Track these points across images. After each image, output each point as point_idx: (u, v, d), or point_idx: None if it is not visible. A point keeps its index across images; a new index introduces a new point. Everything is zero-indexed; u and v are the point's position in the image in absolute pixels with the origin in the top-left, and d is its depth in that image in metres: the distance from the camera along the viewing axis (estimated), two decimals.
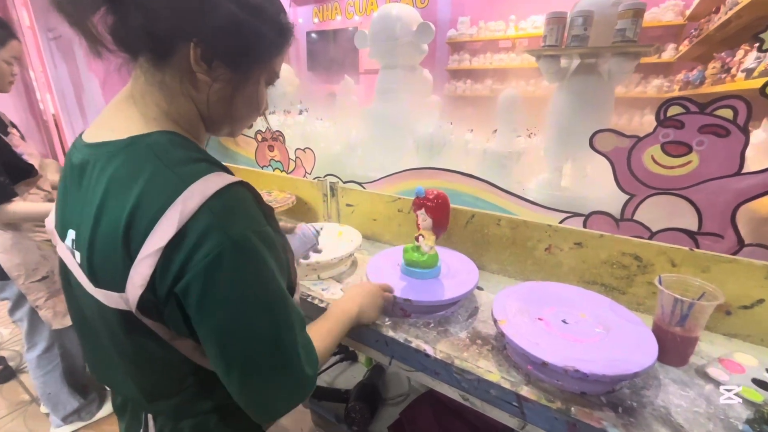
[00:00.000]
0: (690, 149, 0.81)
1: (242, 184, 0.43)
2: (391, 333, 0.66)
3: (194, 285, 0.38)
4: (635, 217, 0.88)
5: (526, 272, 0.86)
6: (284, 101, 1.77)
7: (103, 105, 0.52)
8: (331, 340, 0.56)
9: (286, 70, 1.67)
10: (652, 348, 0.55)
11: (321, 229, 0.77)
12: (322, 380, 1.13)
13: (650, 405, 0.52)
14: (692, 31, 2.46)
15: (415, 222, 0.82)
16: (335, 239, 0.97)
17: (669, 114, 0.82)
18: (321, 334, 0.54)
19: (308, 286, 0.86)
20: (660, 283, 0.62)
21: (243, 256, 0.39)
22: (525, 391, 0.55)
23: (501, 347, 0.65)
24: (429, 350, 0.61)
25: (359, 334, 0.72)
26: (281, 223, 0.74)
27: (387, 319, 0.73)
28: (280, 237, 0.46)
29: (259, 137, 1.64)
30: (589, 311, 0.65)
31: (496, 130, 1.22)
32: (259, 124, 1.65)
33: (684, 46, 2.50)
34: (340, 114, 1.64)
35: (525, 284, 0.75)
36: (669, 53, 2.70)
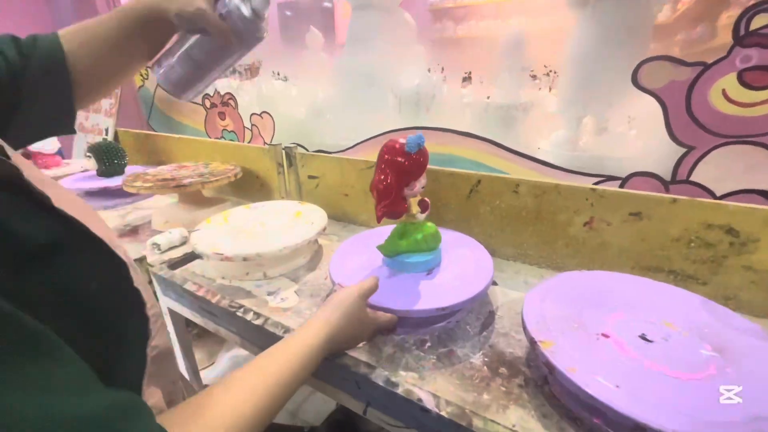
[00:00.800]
0: None
1: None
2: (363, 367, 0.40)
3: None
4: (693, 178, 0.65)
5: (555, 258, 0.62)
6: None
7: None
8: (256, 411, 0.29)
9: None
10: None
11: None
12: (282, 414, 0.88)
13: None
14: None
15: (395, 203, 0.55)
16: (291, 221, 0.71)
17: (753, 27, 0.57)
18: (224, 404, 0.29)
19: (248, 289, 0.60)
20: None
21: None
22: None
23: (540, 379, 0.41)
24: (426, 399, 0.36)
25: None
26: None
27: None
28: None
29: (208, 103, 1.35)
30: (678, 317, 0.41)
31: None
32: (208, 88, 1.35)
33: None
34: (304, 70, 1.35)
35: (563, 277, 0.50)
36: None
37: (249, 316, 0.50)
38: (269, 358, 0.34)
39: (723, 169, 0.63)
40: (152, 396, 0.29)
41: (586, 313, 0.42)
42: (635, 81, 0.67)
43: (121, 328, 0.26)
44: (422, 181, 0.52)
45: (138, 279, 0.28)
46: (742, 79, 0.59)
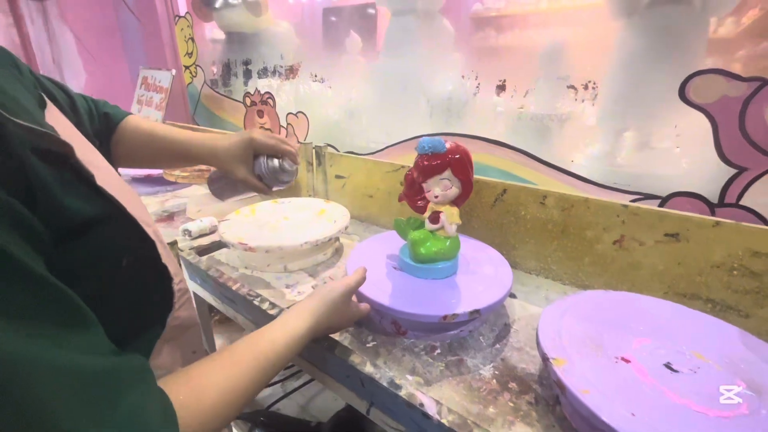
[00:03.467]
0: None
1: None
2: (369, 367, 0.40)
3: None
4: (743, 202, 0.60)
5: (580, 275, 0.59)
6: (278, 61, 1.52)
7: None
8: (242, 382, 0.31)
9: (284, 27, 1.42)
10: None
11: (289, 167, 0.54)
12: (290, 405, 0.89)
13: None
14: None
15: (416, 197, 0.55)
16: (314, 218, 0.72)
17: None
18: (216, 373, 0.30)
19: (268, 281, 0.62)
20: None
21: None
22: None
23: (551, 399, 0.39)
24: (428, 405, 0.35)
25: (321, 361, 0.47)
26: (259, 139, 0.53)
27: (369, 338, 0.48)
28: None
29: (248, 101, 1.41)
30: (710, 349, 0.38)
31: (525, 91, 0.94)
32: (249, 85, 1.41)
33: None
34: (342, 74, 1.39)
35: (587, 294, 0.48)
36: None
37: (265, 306, 0.52)
38: (260, 337, 0.36)
39: None
40: (169, 356, 0.32)
41: (607, 334, 0.40)
42: (683, 95, 0.63)
43: (146, 297, 0.30)
44: (441, 191, 0.52)
45: (166, 256, 0.31)
46: None
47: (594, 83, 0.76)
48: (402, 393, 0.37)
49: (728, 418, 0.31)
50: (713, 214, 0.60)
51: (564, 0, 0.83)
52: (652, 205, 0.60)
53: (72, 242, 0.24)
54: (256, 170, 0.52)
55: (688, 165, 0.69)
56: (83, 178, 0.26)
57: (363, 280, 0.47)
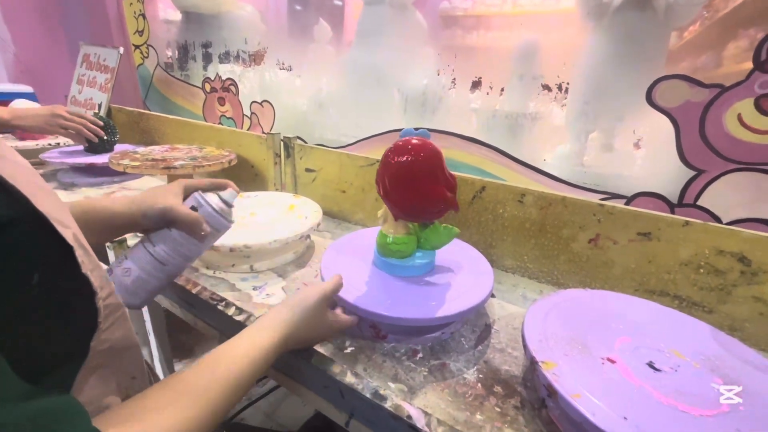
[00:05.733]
0: None
1: None
2: (350, 377, 0.37)
3: None
4: (700, 202, 0.63)
5: (556, 273, 0.60)
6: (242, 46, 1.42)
7: None
8: (201, 414, 0.26)
9: (249, 11, 1.33)
10: None
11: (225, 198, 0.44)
12: (255, 414, 0.83)
13: None
14: None
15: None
16: (284, 214, 0.67)
17: None
18: (167, 408, 0.25)
19: (233, 282, 0.56)
20: None
21: None
22: None
23: (537, 402, 0.38)
24: (416, 417, 0.33)
25: (295, 371, 0.43)
26: (191, 181, 0.44)
27: (347, 343, 0.45)
28: None
29: (208, 87, 1.31)
30: (687, 347, 0.39)
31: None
32: (209, 70, 1.31)
33: None
34: (311, 62, 1.32)
35: (566, 294, 0.48)
36: None
37: (231, 311, 0.47)
38: (220, 356, 0.31)
39: (732, 196, 0.62)
40: (98, 387, 0.26)
41: (590, 334, 0.40)
42: (650, 99, 0.65)
43: (64, 318, 0.23)
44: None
45: (89, 264, 0.24)
46: (759, 105, 0.57)
47: (567, 84, 0.77)
48: (387, 405, 0.34)
49: (711, 416, 0.31)
50: (673, 213, 0.63)
51: (530, 4, 0.83)
52: (619, 205, 0.61)
53: None
54: (188, 204, 0.42)
55: (652, 166, 0.72)
56: None
57: (340, 286, 0.43)
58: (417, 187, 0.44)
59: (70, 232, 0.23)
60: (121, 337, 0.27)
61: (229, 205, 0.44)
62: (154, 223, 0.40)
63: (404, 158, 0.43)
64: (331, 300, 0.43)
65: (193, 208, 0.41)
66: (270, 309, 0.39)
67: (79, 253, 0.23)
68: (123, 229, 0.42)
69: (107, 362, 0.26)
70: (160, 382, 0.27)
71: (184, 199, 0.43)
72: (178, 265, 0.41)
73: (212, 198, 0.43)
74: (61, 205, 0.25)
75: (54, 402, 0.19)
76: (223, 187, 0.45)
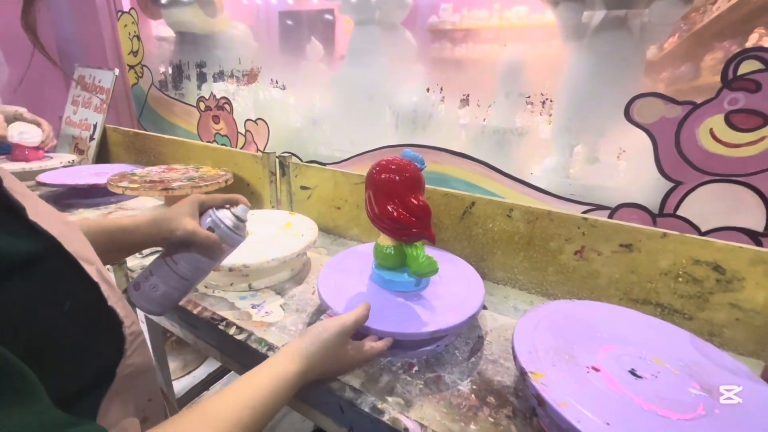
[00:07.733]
0: (766, 121, 0.59)
1: None
2: (349, 391, 0.39)
3: None
4: (679, 212, 0.66)
5: (545, 284, 0.62)
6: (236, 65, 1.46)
7: None
8: None
9: (242, 30, 1.36)
10: None
11: (240, 213, 0.46)
12: None
13: None
14: None
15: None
16: (281, 232, 0.69)
17: (741, 72, 0.60)
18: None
19: (232, 301, 0.58)
20: None
21: None
22: None
23: (528, 411, 0.40)
24: (413, 429, 0.35)
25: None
26: (204, 197, 0.45)
27: None
28: None
29: (202, 105, 1.33)
30: (666, 353, 0.41)
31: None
32: (203, 89, 1.34)
33: None
34: (304, 81, 1.36)
35: (553, 306, 0.50)
36: None
37: (231, 331, 0.48)
38: (243, 387, 0.32)
39: (709, 206, 0.65)
40: (120, 412, 0.27)
41: (577, 344, 0.42)
42: (628, 115, 0.69)
43: (93, 347, 0.25)
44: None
45: (114, 297, 0.26)
46: (729, 121, 0.61)
47: (550, 100, 0.81)
48: (385, 418, 0.36)
49: (688, 420, 0.33)
50: (655, 223, 0.66)
51: (516, 18, 0.88)
52: (605, 217, 0.64)
53: (2, 288, 0.20)
54: (205, 224, 0.43)
55: (633, 178, 0.75)
56: (13, 211, 0.22)
57: (364, 318, 0.43)
58: (380, 203, 0.49)
59: (94, 268, 0.25)
60: (141, 363, 0.28)
61: (243, 221, 0.45)
62: (174, 246, 0.42)
63: (382, 175, 0.49)
64: (356, 331, 0.43)
65: (210, 229, 0.43)
66: (289, 342, 0.40)
67: (104, 288, 0.25)
68: (141, 248, 0.45)
69: (128, 386, 0.27)
70: (190, 409, 0.28)
71: (200, 214, 0.44)
72: (197, 278, 0.44)
73: (227, 216, 0.44)
74: (85, 243, 0.27)
75: (89, 431, 0.20)
76: (235, 202, 0.47)
